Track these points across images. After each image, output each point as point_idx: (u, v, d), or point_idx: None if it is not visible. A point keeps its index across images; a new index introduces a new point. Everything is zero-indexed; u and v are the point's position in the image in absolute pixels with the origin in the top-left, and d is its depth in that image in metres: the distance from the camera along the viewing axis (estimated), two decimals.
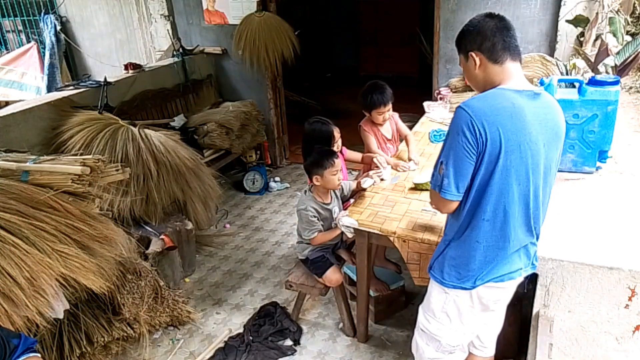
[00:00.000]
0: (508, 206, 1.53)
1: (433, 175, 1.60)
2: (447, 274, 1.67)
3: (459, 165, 1.49)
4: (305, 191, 2.63)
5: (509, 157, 1.47)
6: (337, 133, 2.80)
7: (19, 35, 5.99)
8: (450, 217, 1.69)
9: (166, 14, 4.92)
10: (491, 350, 1.95)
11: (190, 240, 3.37)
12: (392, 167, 2.82)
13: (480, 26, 1.55)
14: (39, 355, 1.42)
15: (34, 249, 1.96)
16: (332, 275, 2.60)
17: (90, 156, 2.43)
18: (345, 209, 2.59)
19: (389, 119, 3.04)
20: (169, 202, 3.28)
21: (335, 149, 2.77)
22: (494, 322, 1.86)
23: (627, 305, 1.74)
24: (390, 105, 2.91)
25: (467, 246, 1.62)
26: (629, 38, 3.13)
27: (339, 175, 2.55)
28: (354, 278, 2.65)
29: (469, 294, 1.67)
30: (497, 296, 1.70)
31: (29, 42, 5.70)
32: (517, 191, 1.52)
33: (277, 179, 4.88)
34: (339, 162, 2.55)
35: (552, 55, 3.65)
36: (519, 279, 1.70)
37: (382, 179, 2.66)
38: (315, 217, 2.54)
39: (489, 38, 1.53)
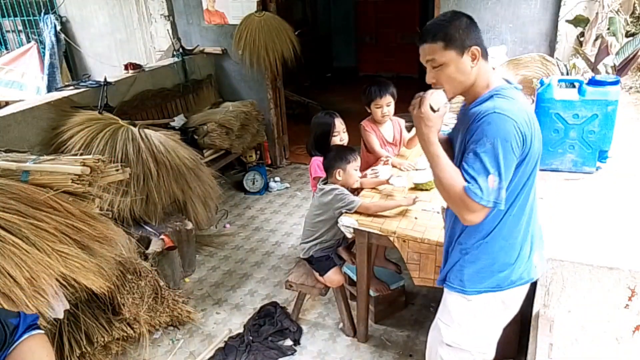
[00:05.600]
0: (532, 200, 1.57)
1: (474, 187, 1.41)
2: (469, 281, 1.62)
3: (508, 173, 1.43)
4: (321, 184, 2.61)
5: (537, 154, 1.51)
6: (339, 124, 2.78)
7: (19, 35, 5.98)
8: (466, 227, 1.59)
9: (166, 14, 4.92)
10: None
11: (190, 240, 3.37)
12: (395, 166, 2.81)
13: (470, 20, 1.51)
14: (42, 331, 1.37)
15: (34, 249, 1.96)
16: (334, 276, 2.60)
17: (90, 156, 2.44)
18: None
19: (392, 121, 3.02)
20: (169, 202, 3.28)
21: (338, 141, 2.77)
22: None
23: (627, 305, 1.74)
24: (389, 99, 2.84)
25: (492, 248, 1.58)
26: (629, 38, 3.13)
27: (359, 172, 2.55)
28: (354, 278, 2.65)
29: (493, 297, 1.63)
30: (522, 294, 1.70)
31: (29, 42, 5.69)
32: (535, 184, 1.56)
33: (277, 179, 4.88)
34: (359, 158, 2.56)
35: (552, 55, 3.65)
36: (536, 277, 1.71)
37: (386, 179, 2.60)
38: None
39: (479, 33, 1.52)
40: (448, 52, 1.47)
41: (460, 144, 1.55)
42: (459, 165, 1.49)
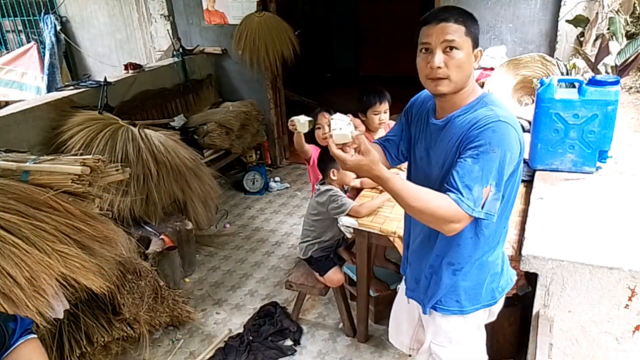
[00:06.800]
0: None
1: (467, 198, 1.32)
2: (466, 300, 1.57)
3: (503, 183, 1.36)
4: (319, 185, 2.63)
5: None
6: (322, 118, 2.81)
7: (19, 35, 5.99)
8: (461, 242, 1.50)
9: (166, 14, 4.92)
10: None
11: (190, 240, 3.37)
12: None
13: None
14: (36, 336, 1.39)
15: (34, 249, 1.96)
16: (334, 276, 2.61)
17: (90, 156, 2.43)
18: None
19: (385, 127, 3.00)
20: (169, 202, 3.28)
21: (321, 134, 2.80)
22: None
23: (627, 305, 1.74)
24: (386, 106, 2.82)
25: (486, 262, 1.54)
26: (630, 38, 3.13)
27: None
28: (354, 278, 2.65)
29: (484, 311, 1.63)
30: (503, 299, 1.70)
31: (29, 42, 5.70)
32: None
33: (277, 179, 4.88)
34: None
35: (552, 55, 3.65)
36: None
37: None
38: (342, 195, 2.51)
39: None
40: (466, 39, 1.37)
41: (450, 155, 1.42)
42: (446, 172, 1.39)
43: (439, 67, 1.36)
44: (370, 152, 1.31)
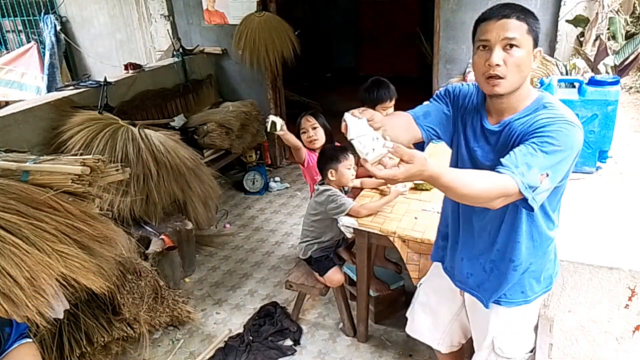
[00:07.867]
0: None
1: (522, 174, 1.25)
2: (530, 290, 1.57)
3: (557, 179, 1.32)
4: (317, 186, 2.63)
5: None
6: (305, 122, 2.83)
7: (19, 35, 5.99)
8: (520, 239, 1.48)
9: (166, 14, 4.92)
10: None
11: (190, 240, 3.37)
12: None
13: None
14: (31, 340, 1.39)
15: (34, 249, 1.96)
16: (334, 276, 2.61)
17: (90, 156, 2.43)
18: None
19: None
20: (169, 202, 3.28)
21: (306, 138, 2.82)
22: None
23: (627, 305, 1.74)
24: (393, 102, 2.85)
25: (546, 252, 1.56)
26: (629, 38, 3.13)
27: (352, 171, 2.55)
28: (354, 278, 2.65)
29: (543, 295, 1.63)
30: None
31: (29, 42, 5.70)
32: None
33: (277, 179, 4.88)
34: (352, 157, 2.55)
35: (552, 55, 3.65)
36: None
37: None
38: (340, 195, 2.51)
39: None
40: (528, 38, 1.33)
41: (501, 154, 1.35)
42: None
43: (497, 65, 1.31)
44: (415, 156, 1.18)
